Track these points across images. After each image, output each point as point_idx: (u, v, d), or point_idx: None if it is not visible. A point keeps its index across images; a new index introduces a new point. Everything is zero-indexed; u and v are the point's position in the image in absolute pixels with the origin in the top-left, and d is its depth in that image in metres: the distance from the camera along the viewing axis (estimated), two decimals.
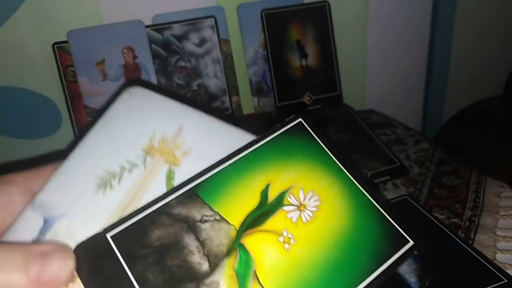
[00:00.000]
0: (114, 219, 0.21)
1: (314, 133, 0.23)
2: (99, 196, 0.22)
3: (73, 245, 0.20)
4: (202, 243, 0.20)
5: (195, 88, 0.64)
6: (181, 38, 0.63)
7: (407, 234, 0.21)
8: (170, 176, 0.22)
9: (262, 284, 0.19)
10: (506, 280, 0.35)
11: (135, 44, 0.60)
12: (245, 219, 0.20)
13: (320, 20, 0.68)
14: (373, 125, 0.65)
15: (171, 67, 0.63)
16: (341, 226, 0.21)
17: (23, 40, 0.58)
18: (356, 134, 0.60)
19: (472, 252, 0.38)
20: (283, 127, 0.23)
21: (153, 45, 0.62)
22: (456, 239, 0.40)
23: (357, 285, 0.19)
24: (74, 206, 0.21)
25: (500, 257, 0.39)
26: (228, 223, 0.20)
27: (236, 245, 0.20)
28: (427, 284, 0.36)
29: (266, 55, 0.67)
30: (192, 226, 0.20)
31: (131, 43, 0.60)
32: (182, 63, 0.64)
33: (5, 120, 0.62)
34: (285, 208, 0.21)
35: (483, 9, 0.80)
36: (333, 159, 0.23)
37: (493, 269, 0.36)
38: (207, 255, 0.19)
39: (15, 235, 0.21)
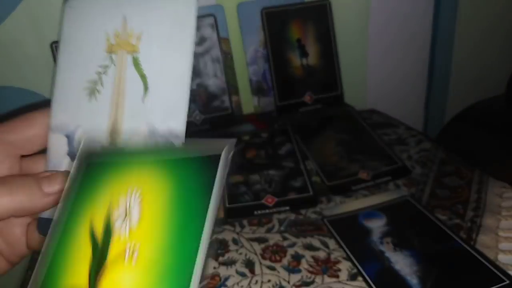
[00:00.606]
0: (113, 113, 0.25)
1: (102, 157, 0.24)
2: (94, 102, 0.25)
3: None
4: None
5: (195, 87, 0.64)
6: None
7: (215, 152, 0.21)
8: (136, 63, 0.25)
9: None
10: (508, 281, 0.35)
11: None
12: (90, 276, 0.19)
13: (321, 19, 0.68)
14: (374, 125, 0.64)
15: None
16: (166, 196, 0.21)
17: (21, 39, 0.58)
18: (357, 134, 0.60)
19: (474, 253, 0.38)
20: (78, 179, 0.23)
21: None
22: (458, 240, 0.40)
23: (203, 225, 0.19)
24: (81, 118, 0.25)
25: (502, 258, 0.39)
26: None
27: None
28: (428, 285, 0.36)
29: (266, 54, 0.67)
30: None
31: None
32: None
33: (3, 119, 0.62)
34: (116, 226, 0.20)
35: (485, 8, 0.80)
36: (128, 160, 0.23)
37: (495, 270, 0.37)
38: None
39: (52, 157, 0.26)
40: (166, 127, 0.24)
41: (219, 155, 0.21)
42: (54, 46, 0.59)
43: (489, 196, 0.47)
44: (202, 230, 0.19)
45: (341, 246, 0.41)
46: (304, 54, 0.68)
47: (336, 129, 0.62)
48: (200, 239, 0.19)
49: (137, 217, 0.20)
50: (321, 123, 0.65)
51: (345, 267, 0.39)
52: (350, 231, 0.43)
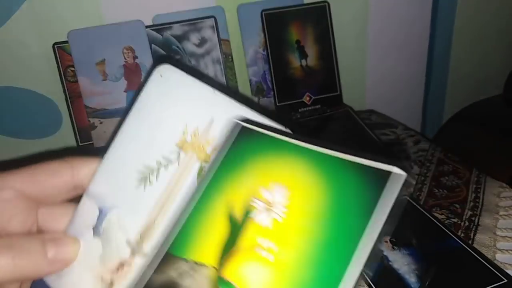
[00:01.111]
0: (153, 214, 0.22)
1: (258, 127, 0.21)
2: (141, 191, 0.22)
3: (123, 236, 0.22)
4: None
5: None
6: (181, 38, 0.63)
7: (388, 164, 0.17)
8: (200, 173, 0.22)
9: None
10: (506, 280, 0.35)
11: (135, 44, 0.61)
12: (221, 253, 0.19)
13: (320, 21, 0.68)
14: (373, 125, 0.65)
15: None
16: (318, 203, 0.18)
17: (24, 40, 0.58)
18: (356, 134, 0.60)
19: (472, 252, 0.38)
20: (229, 142, 0.21)
21: (153, 45, 0.62)
22: (456, 239, 0.40)
23: (356, 248, 0.16)
24: (121, 199, 0.22)
25: (500, 257, 0.39)
26: (206, 266, 0.19)
27: (218, 284, 0.18)
28: (426, 284, 0.36)
29: (266, 55, 0.67)
30: None
31: (131, 43, 0.60)
32: None
33: (5, 120, 0.62)
34: (256, 218, 0.19)
35: (482, 10, 0.80)
36: (285, 141, 0.20)
37: (493, 269, 0.36)
38: None
39: (77, 222, 0.23)
40: None
41: (396, 174, 0.17)
42: (56, 47, 0.59)
43: (486, 195, 0.47)
44: (352, 255, 0.16)
45: None
46: (303, 55, 0.68)
47: (335, 129, 0.63)
48: (347, 266, 0.16)
49: (281, 216, 0.18)
50: (320, 124, 0.65)
51: None
52: None
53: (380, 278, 0.37)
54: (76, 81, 0.60)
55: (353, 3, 0.71)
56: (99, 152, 0.23)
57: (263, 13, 0.66)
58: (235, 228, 0.19)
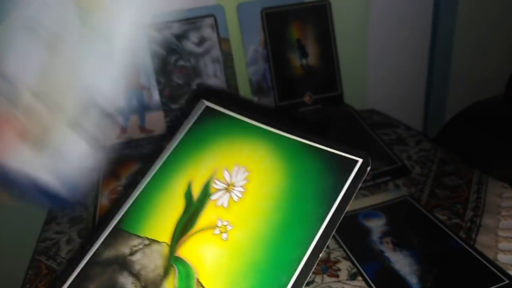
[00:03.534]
0: None
1: (222, 107, 0.21)
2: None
3: None
4: (137, 276, 0.18)
5: (195, 87, 0.64)
6: (181, 37, 0.63)
7: (352, 155, 0.18)
8: None
9: None
10: (507, 281, 0.35)
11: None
12: (175, 230, 0.19)
13: (320, 19, 0.68)
14: (374, 125, 0.64)
15: (170, 67, 0.63)
16: (276, 185, 0.18)
17: None
18: (357, 134, 0.60)
19: (474, 253, 0.38)
20: (191, 119, 0.21)
21: (152, 44, 0.61)
22: (458, 239, 0.40)
23: (314, 236, 0.16)
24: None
25: (501, 258, 0.38)
26: (159, 242, 0.19)
27: (171, 261, 0.18)
28: (428, 285, 0.36)
29: (266, 54, 0.67)
30: (123, 264, 0.19)
31: None
32: (181, 63, 0.63)
33: None
34: (213, 197, 0.19)
35: (484, 9, 0.80)
36: (249, 123, 0.20)
37: (494, 270, 0.37)
38: (145, 286, 0.18)
39: None
40: None
41: (356, 161, 0.17)
42: None
43: (488, 196, 0.47)
44: (312, 239, 0.16)
45: (341, 246, 0.41)
46: (304, 54, 0.68)
47: (336, 129, 0.62)
48: (307, 249, 0.16)
49: (238, 197, 0.18)
50: (321, 123, 0.65)
51: (344, 266, 0.39)
52: (350, 231, 0.43)
53: (381, 279, 0.37)
54: None
55: (354, 2, 0.71)
56: None
57: (263, 11, 0.66)
58: (190, 206, 0.19)
